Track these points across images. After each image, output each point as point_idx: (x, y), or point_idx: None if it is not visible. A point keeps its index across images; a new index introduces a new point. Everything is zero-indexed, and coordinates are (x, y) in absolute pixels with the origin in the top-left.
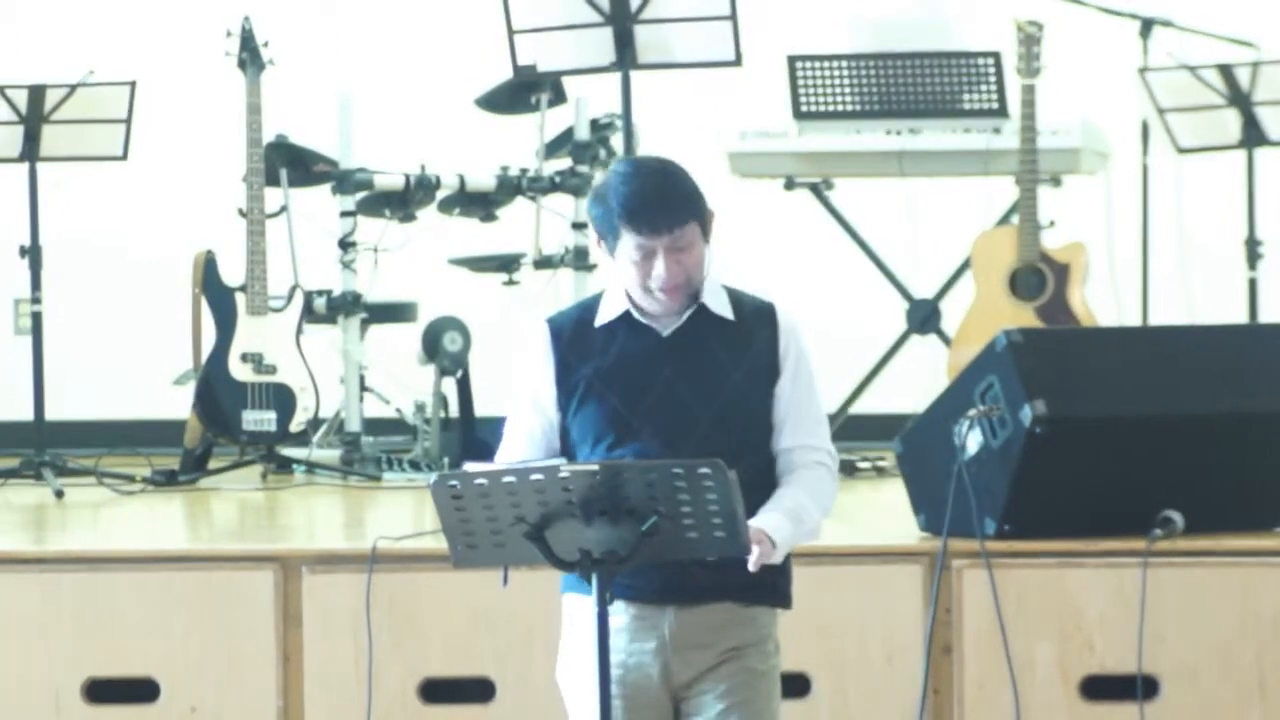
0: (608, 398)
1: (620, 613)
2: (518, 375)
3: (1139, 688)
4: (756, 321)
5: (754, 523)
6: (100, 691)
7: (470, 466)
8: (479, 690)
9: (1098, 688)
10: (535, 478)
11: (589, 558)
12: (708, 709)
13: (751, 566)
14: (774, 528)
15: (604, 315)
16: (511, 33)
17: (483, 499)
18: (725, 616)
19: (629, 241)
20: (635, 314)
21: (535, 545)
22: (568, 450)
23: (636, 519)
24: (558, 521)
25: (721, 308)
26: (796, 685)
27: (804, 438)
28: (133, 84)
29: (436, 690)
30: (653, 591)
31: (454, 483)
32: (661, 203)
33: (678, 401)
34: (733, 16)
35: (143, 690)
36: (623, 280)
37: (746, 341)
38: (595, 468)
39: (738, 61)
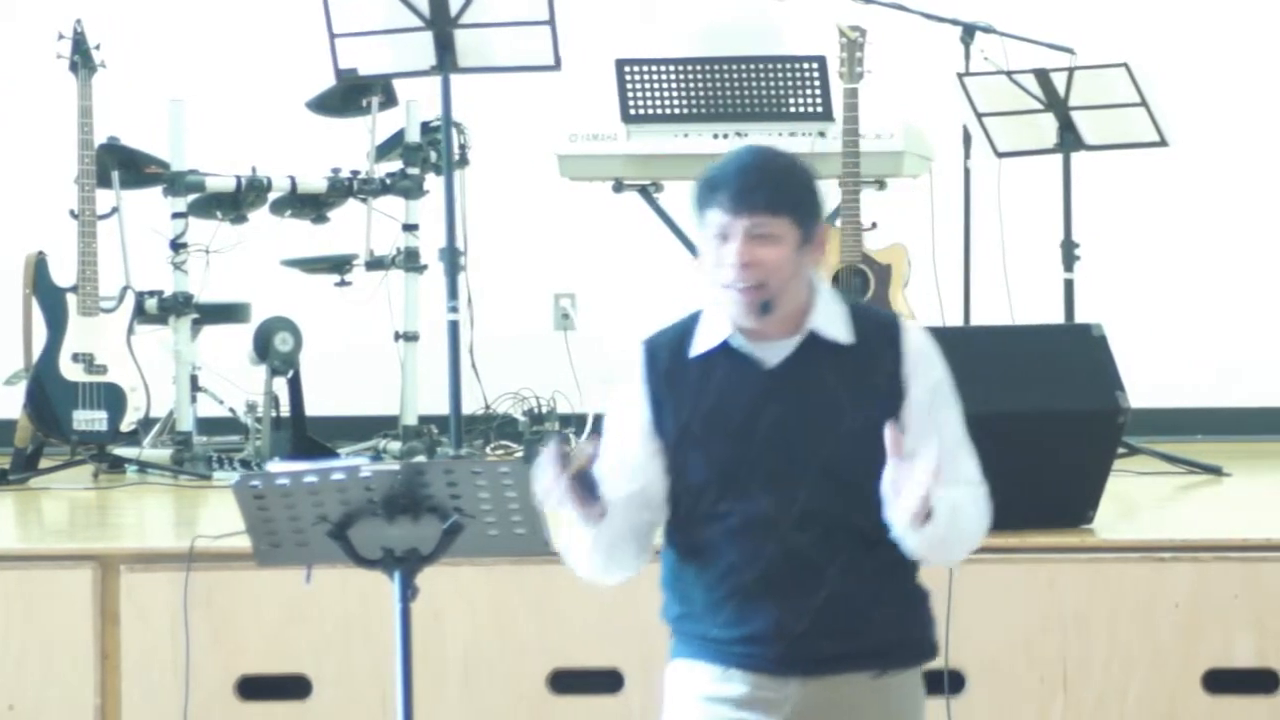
0: (710, 445)
1: (737, 682)
2: (612, 403)
3: (945, 682)
4: (879, 342)
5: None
6: None
7: (273, 466)
8: (295, 687)
9: None
10: (337, 477)
11: (391, 556)
12: None
13: (912, 506)
14: (937, 497)
15: (700, 345)
16: (333, 36)
17: (285, 498)
18: (859, 690)
19: (710, 220)
20: (735, 341)
21: (338, 544)
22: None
23: (438, 517)
24: (360, 520)
25: (836, 331)
26: None
27: (949, 475)
28: None
29: (253, 687)
30: (771, 660)
31: (255, 483)
32: (751, 179)
33: (786, 447)
34: (551, 21)
35: None
36: (705, 277)
37: (868, 367)
38: (396, 467)
39: (557, 66)
